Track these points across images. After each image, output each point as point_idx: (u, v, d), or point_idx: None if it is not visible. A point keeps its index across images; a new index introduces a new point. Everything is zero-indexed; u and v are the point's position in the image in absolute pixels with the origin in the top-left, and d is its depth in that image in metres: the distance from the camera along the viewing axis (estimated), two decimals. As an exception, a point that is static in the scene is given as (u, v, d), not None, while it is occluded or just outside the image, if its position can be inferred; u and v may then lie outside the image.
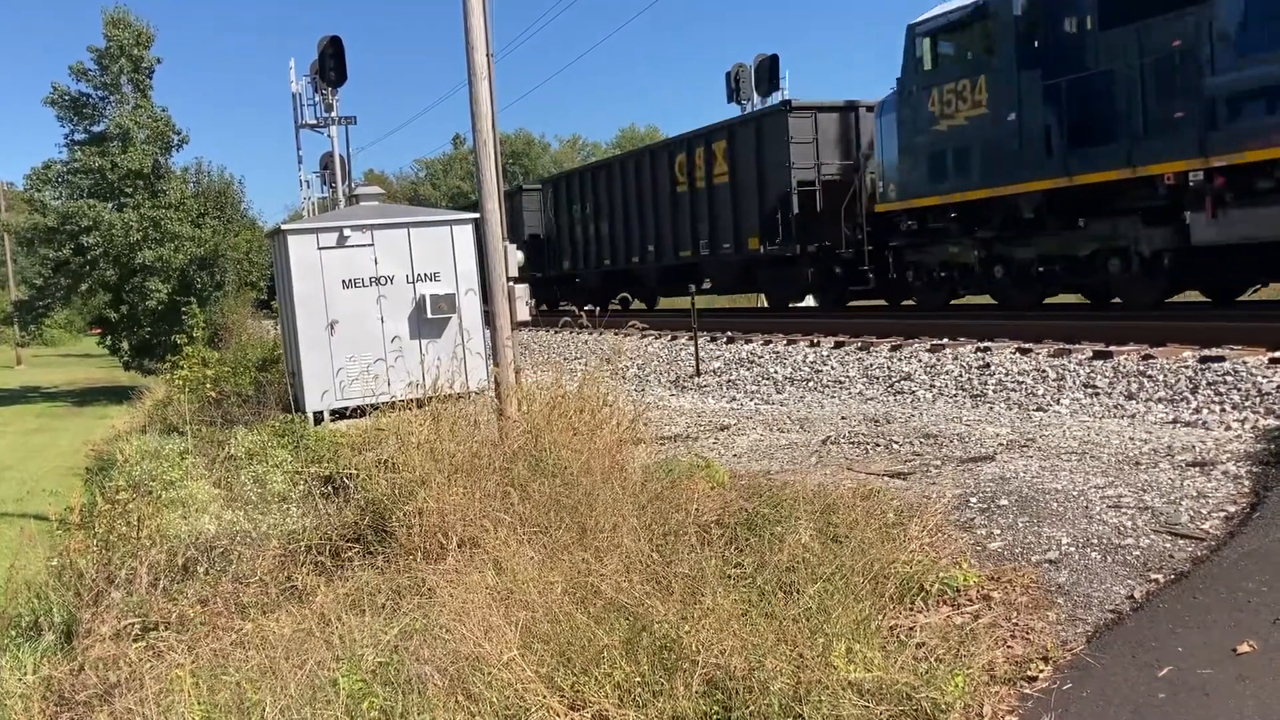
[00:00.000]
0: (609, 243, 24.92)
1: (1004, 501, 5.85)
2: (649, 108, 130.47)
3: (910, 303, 17.47)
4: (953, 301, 16.47)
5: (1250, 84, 10.78)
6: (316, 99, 23.94)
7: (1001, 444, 7.50)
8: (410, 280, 13.87)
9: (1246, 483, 5.78)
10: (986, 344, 11.29)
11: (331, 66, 22.96)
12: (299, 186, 26.50)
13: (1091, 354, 9.84)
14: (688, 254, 21.67)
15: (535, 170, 67.50)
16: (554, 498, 5.73)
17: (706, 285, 24.11)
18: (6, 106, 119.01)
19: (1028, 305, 14.45)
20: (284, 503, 9.07)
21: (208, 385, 15.77)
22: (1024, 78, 13.27)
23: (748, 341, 14.75)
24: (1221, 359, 8.78)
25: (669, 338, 16.56)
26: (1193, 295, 14.27)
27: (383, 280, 13.74)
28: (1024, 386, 9.56)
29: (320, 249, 13.56)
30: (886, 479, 6.69)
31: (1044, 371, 9.72)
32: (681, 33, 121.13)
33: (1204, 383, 8.36)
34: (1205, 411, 7.88)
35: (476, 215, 9.55)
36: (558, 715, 3.54)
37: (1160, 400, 8.38)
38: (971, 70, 14.12)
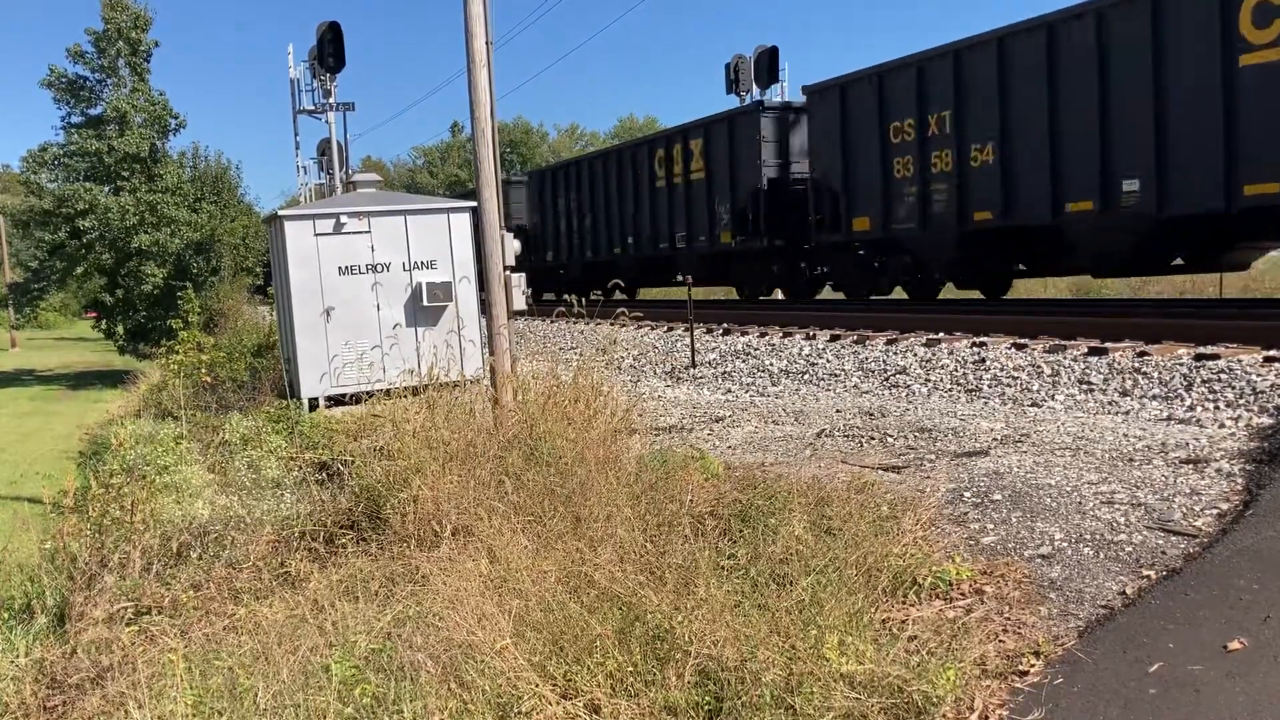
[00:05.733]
0: (992, 176, 14.15)
1: (997, 496, 5.86)
2: (647, 98, 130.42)
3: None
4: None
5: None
6: (315, 85, 23.83)
7: (996, 439, 7.51)
8: (407, 268, 13.85)
9: (1239, 480, 5.80)
10: (982, 339, 11.30)
11: (330, 52, 22.84)
12: (296, 172, 26.33)
13: (1087, 350, 9.85)
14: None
15: (533, 159, 66.68)
16: (548, 487, 5.73)
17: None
18: (3, 89, 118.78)
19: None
20: (278, 489, 9.06)
21: (203, 371, 15.73)
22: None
23: (743, 334, 14.75)
24: (1216, 357, 8.79)
25: (665, 329, 16.55)
26: (1192, 292, 14.10)
27: (379, 267, 13.72)
28: (1019, 382, 9.58)
29: (317, 235, 13.53)
30: (880, 472, 6.69)
31: (1039, 367, 9.73)
32: (680, 23, 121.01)
33: (1198, 380, 8.37)
34: (1199, 409, 7.89)
35: (474, 203, 9.52)
36: (549, 704, 3.54)
37: (1155, 397, 8.40)
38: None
